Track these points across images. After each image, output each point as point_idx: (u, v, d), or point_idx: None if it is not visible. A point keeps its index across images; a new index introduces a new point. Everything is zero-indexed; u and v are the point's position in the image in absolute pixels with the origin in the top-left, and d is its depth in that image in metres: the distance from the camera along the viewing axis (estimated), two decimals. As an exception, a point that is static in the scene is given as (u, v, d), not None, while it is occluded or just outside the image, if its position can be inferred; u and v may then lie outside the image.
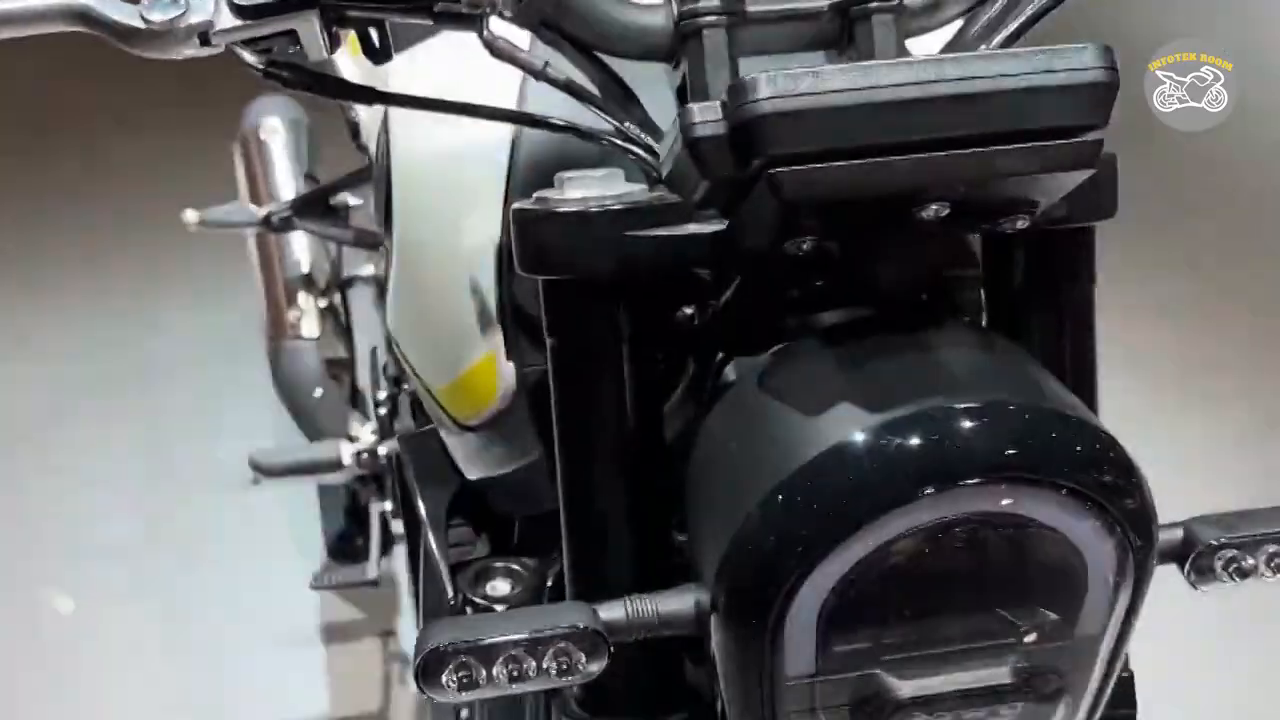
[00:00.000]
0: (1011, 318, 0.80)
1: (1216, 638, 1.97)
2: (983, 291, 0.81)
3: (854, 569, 0.64)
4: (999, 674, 0.68)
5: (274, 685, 2.05)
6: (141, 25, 0.70)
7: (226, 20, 0.70)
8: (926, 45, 0.83)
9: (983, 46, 0.78)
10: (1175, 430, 2.54)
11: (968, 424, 0.64)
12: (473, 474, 1.06)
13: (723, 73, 0.73)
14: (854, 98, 0.62)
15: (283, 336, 2.08)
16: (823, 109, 0.62)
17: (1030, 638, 0.68)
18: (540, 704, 0.96)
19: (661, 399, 0.78)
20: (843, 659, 0.67)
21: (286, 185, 2.13)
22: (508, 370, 0.94)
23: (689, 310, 0.75)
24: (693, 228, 0.70)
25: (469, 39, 0.75)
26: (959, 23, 0.82)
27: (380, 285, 1.86)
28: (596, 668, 0.69)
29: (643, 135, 0.76)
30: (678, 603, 0.70)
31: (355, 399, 2.11)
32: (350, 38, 0.78)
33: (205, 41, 0.71)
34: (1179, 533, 0.75)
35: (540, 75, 0.74)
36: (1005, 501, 0.64)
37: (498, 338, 0.94)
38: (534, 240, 0.72)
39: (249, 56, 0.77)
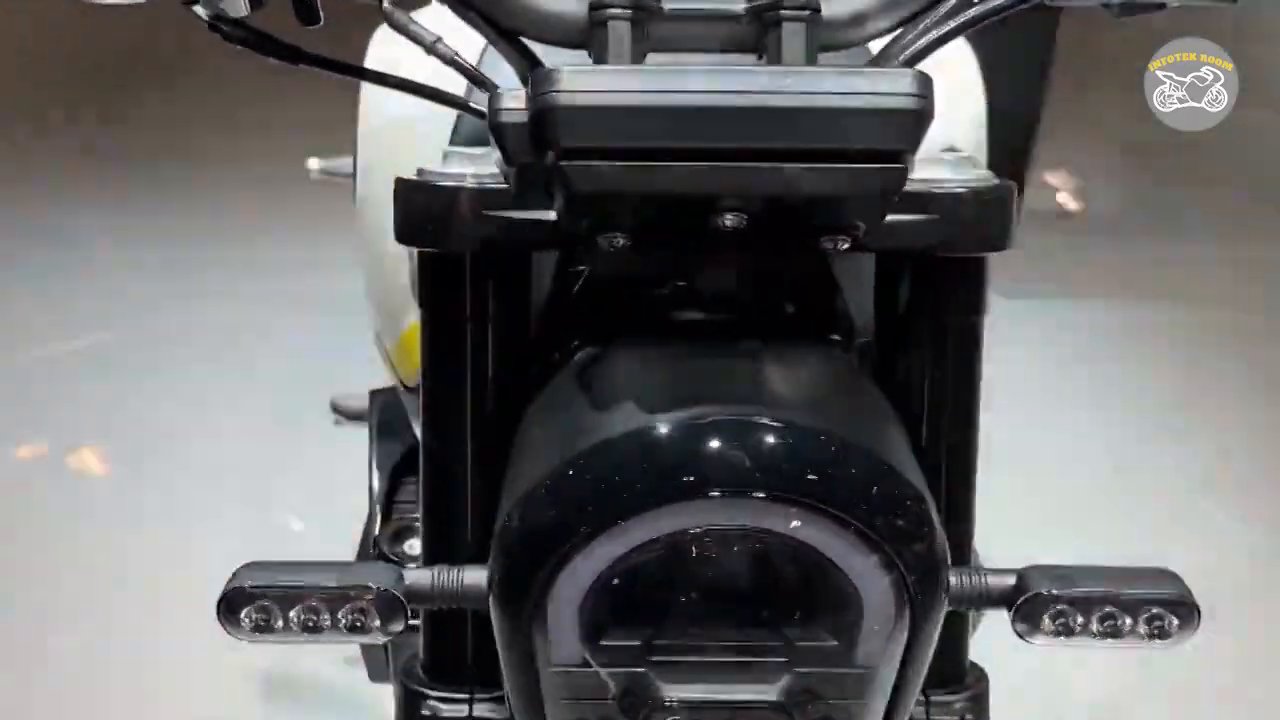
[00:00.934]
0: (896, 343, 0.79)
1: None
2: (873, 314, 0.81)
3: (615, 565, 0.64)
4: (768, 691, 0.68)
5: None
6: None
7: None
8: (855, 56, 0.82)
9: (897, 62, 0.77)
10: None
11: (727, 439, 0.64)
12: (418, 433, 1.10)
13: (625, 64, 0.74)
14: (649, 99, 0.62)
15: None
16: (615, 107, 0.62)
17: (804, 660, 0.67)
18: None
19: (523, 378, 0.80)
20: (609, 653, 0.67)
21: None
22: None
23: (546, 294, 0.77)
24: (537, 214, 0.72)
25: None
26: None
27: None
28: (393, 630, 0.70)
29: None
30: (476, 577, 0.71)
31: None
32: None
33: None
34: (1011, 579, 0.72)
35: (430, 50, 0.77)
36: (766, 521, 0.64)
37: None
38: (406, 212, 0.74)
39: (201, 10, 0.81)
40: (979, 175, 0.75)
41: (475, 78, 0.77)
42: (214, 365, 2.76)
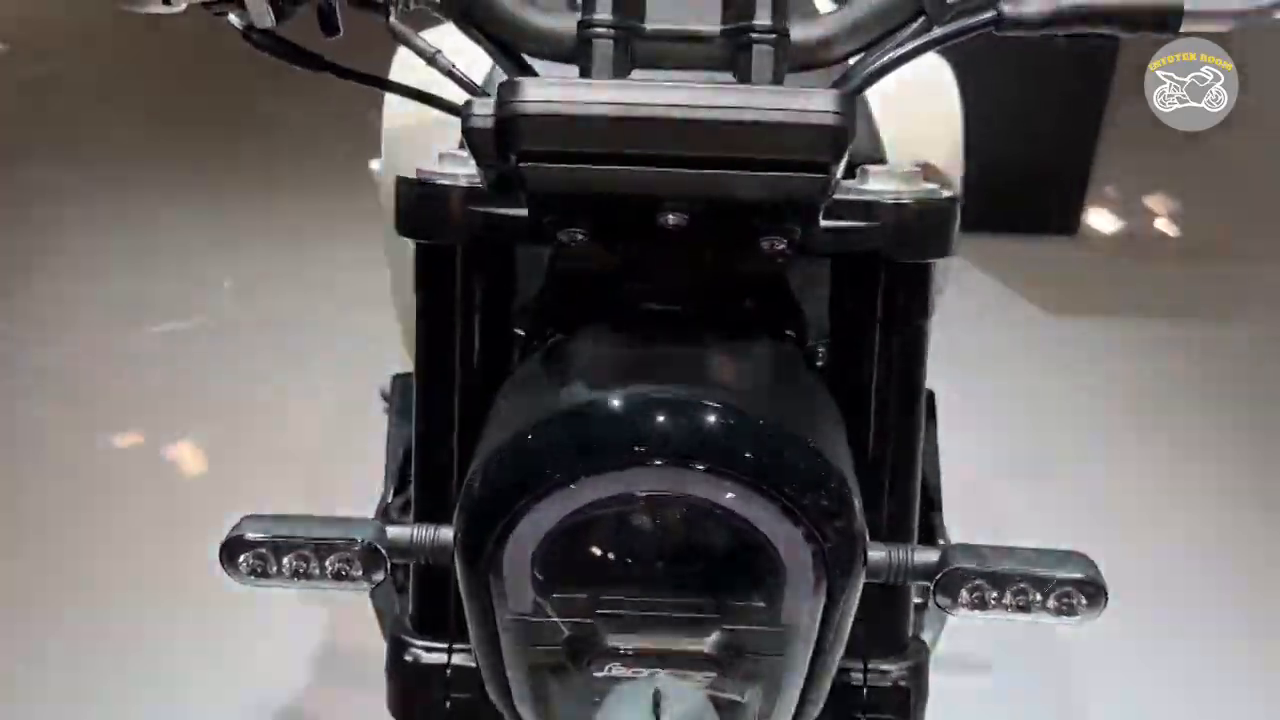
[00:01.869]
0: (848, 343, 0.86)
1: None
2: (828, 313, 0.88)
3: (564, 524, 0.72)
4: (700, 643, 0.75)
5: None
6: None
7: None
8: (823, 77, 0.89)
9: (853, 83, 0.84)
10: None
11: (669, 415, 0.71)
12: None
13: (608, 79, 0.82)
14: (597, 110, 0.69)
15: None
16: (568, 115, 0.69)
17: (733, 618, 0.75)
18: None
19: (505, 358, 0.88)
20: (559, 605, 0.75)
21: None
22: None
23: (528, 284, 0.85)
24: (514, 211, 0.80)
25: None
26: None
27: None
28: (374, 579, 0.78)
29: None
30: (448, 535, 0.79)
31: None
32: None
33: (168, 1, 0.85)
34: (934, 555, 0.79)
35: (430, 61, 0.85)
36: (697, 489, 0.71)
37: None
38: (404, 207, 0.83)
39: (234, 20, 0.90)
40: (924, 188, 0.82)
41: (470, 87, 0.85)
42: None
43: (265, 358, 2.91)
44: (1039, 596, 0.78)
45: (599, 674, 0.75)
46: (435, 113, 0.98)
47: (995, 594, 0.78)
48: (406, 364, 1.30)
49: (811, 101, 0.70)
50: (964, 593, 0.78)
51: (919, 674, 0.90)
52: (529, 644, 0.76)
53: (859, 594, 0.77)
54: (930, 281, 0.85)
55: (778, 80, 0.81)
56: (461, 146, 0.89)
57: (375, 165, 1.50)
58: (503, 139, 0.72)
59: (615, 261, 0.81)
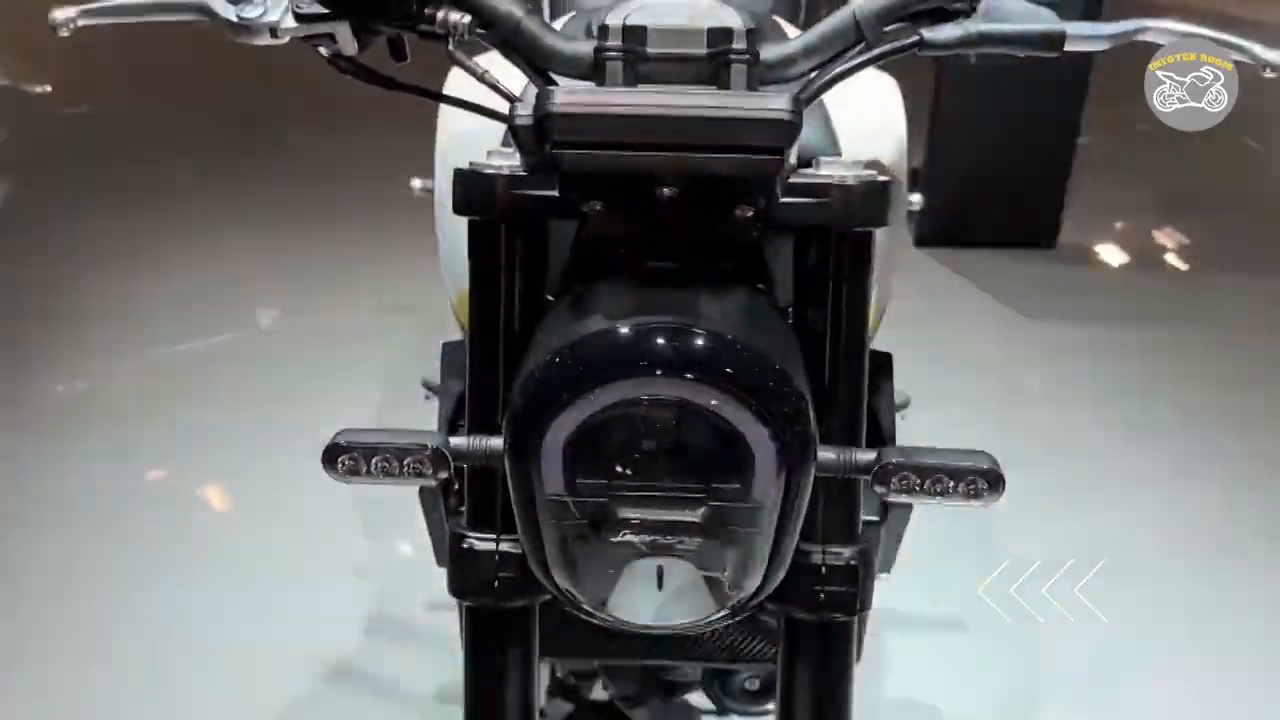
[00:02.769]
0: (808, 294, 1.09)
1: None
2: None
3: (585, 423, 0.95)
4: (692, 516, 0.97)
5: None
6: (235, 20, 1.09)
7: (289, 23, 1.06)
8: (789, 89, 1.12)
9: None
10: None
11: (667, 338, 0.94)
12: None
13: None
14: (611, 109, 0.93)
15: None
16: (590, 114, 0.93)
17: (716, 496, 0.97)
18: None
19: (539, 306, 1.10)
20: (583, 487, 0.97)
21: None
22: None
23: (558, 251, 1.09)
24: (547, 192, 1.03)
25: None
26: None
27: None
28: (440, 476, 1.01)
29: None
30: (497, 442, 1.00)
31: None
32: None
33: (274, 34, 1.09)
34: (872, 454, 1.02)
35: (480, 79, 1.09)
36: (686, 393, 0.94)
37: None
38: (461, 192, 1.06)
39: (323, 50, 1.14)
40: (866, 174, 1.04)
41: (511, 97, 1.09)
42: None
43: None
44: (953, 484, 1.01)
45: (615, 539, 0.98)
46: (478, 122, 1.21)
47: (919, 482, 1.01)
48: (453, 332, 1.54)
49: (769, 102, 0.94)
50: (894, 481, 1.01)
51: (867, 556, 1.13)
52: (561, 519, 0.99)
53: (811, 481, 0.99)
54: (871, 246, 1.07)
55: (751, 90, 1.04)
56: (504, 145, 1.12)
57: (415, 182, 1.75)
58: (541, 132, 0.96)
59: (624, 228, 1.04)
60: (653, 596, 1.01)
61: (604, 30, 1.02)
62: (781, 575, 1.03)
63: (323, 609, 2.38)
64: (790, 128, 0.94)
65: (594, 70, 1.04)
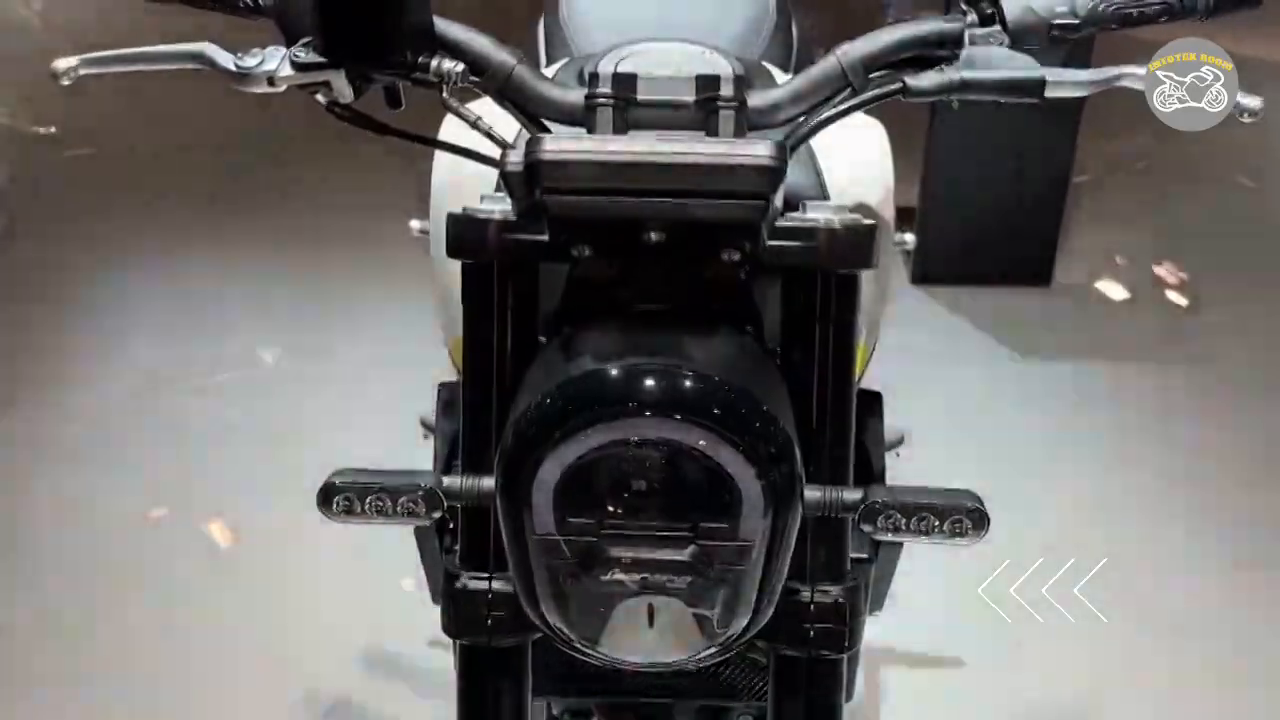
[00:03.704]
0: (795, 335, 1.11)
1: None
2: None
3: (575, 463, 0.96)
4: (681, 555, 0.99)
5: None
6: (234, 69, 1.11)
7: (286, 71, 1.09)
8: (776, 134, 1.14)
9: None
10: None
11: (656, 380, 0.96)
12: None
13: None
14: (597, 157, 0.95)
15: None
16: (580, 161, 0.95)
17: (704, 536, 0.98)
18: None
19: (531, 348, 1.12)
20: (573, 527, 0.99)
21: None
22: None
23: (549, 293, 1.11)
24: (537, 236, 1.05)
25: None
26: None
27: None
28: (433, 515, 1.03)
29: None
30: (489, 482, 1.03)
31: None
32: None
33: (272, 83, 1.12)
34: (859, 494, 1.04)
35: (473, 125, 1.11)
36: (674, 434, 0.95)
37: None
38: (454, 235, 1.08)
39: (320, 98, 1.16)
40: (851, 217, 1.07)
41: (503, 143, 1.11)
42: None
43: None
44: (938, 523, 1.03)
45: (605, 578, 0.99)
46: (472, 167, 1.23)
47: (904, 521, 1.03)
48: (448, 374, 1.56)
49: (754, 149, 0.96)
50: (880, 520, 1.03)
51: (855, 594, 1.14)
52: (551, 558, 1.01)
53: (798, 520, 1.01)
54: (857, 288, 1.09)
55: (739, 137, 1.06)
56: (497, 190, 1.14)
57: (414, 223, 1.78)
58: (531, 178, 0.98)
59: (613, 272, 1.06)
60: (643, 634, 1.02)
61: (594, 78, 1.04)
62: (770, 613, 1.05)
63: (322, 645, 2.39)
64: (774, 173, 0.96)
65: (585, 116, 1.06)
